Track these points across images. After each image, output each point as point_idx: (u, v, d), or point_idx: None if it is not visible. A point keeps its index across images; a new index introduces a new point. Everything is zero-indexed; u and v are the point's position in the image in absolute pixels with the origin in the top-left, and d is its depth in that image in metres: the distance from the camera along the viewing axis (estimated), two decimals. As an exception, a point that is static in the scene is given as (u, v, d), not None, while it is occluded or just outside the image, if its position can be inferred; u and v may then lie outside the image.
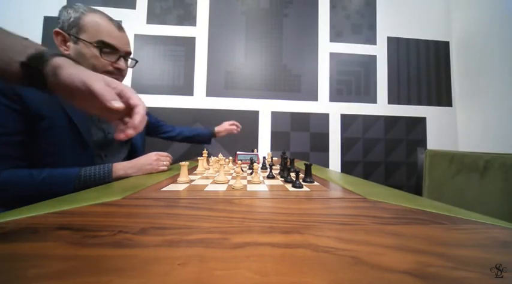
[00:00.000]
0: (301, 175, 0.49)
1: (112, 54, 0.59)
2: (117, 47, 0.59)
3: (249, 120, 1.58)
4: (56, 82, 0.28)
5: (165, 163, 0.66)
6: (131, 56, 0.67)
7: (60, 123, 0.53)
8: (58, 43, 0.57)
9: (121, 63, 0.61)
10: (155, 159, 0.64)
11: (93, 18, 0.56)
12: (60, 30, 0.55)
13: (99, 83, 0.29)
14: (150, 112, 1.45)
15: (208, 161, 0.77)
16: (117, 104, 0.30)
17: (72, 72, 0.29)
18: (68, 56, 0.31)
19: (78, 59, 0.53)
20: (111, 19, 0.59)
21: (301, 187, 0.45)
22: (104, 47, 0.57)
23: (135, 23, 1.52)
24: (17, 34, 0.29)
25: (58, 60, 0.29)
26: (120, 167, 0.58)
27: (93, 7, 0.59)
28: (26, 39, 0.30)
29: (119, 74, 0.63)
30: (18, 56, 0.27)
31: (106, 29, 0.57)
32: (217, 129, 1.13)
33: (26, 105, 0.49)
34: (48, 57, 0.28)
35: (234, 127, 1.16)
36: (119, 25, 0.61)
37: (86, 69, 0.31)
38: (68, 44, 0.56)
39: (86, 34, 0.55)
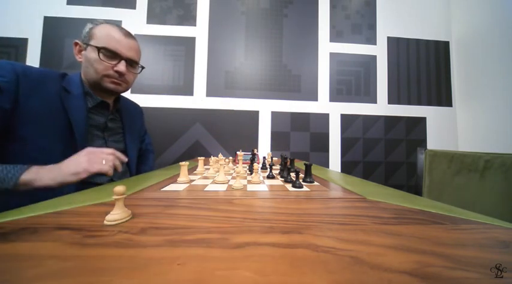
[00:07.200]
0: (301, 175, 0.49)
1: (113, 58, 0.62)
2: (119, 51, 0.62)
3: (249, 120, 1.57)
4: None
5: (105, 167, 0.47)
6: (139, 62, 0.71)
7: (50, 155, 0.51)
8: (76, 52, 0.63)
9: (120, 67, 0.62)
10: (85, 162, 0.46)
11: (103, 27, 0.61)
12: (78, 41, 0.62)
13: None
14: (150, 112, 1.45)
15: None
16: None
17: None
18: None
19: (86, 64, 0.61)
20: (121, 28, 0.64)
21: (301, 187, 0.45)
22: (105, 51, 0.60)
23: (135, 23, 1.52)
24: None
25: None
26: (35, 171, 0.44)
27: (110, 22, 0.65)
28: None
29: (120, 78, 0.64)
30: None
31: (111, 34, 0.61)
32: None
33: (17, 107, 0.49)
34: None
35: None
36: (126, 33, 0.65)
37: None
38: (82, 52, 0.62)
39: (94, 40, 0.60)
